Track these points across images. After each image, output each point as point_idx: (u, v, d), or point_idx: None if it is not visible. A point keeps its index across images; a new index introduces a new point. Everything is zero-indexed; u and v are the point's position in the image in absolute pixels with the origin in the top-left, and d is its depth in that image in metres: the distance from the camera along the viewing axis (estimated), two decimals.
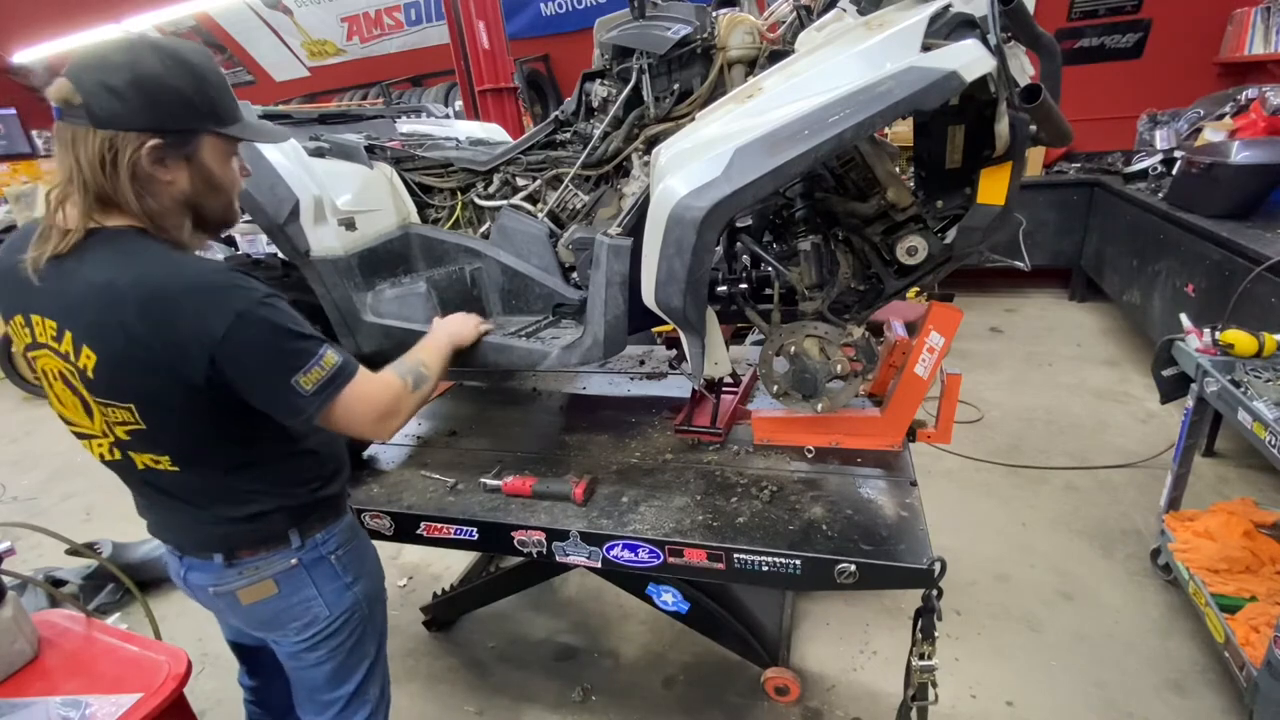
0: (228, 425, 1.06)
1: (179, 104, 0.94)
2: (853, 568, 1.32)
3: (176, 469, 1.07)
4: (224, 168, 1.04)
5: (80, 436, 1.10)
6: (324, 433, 1.18)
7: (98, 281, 0.93)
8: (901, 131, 3.01)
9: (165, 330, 0.93)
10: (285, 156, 1.62)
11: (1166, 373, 2.22)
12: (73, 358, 0.97)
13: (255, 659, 1.49)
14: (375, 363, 1.77)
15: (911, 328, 1.72)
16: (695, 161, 1.23)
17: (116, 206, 0.96)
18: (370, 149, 1.85)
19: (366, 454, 1.98)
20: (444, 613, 2.46)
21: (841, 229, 1.51)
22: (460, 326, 1.58)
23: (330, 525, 1.27)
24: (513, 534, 1.57)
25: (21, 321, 1.01)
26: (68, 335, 0.96)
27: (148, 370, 0.96)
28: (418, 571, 2.85)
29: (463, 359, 1.70)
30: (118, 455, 1.08)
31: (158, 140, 0.93)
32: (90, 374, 0.97)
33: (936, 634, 1.39)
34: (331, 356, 1.05)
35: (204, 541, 1.18)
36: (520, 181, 1.82)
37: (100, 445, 1.08)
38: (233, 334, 0.95)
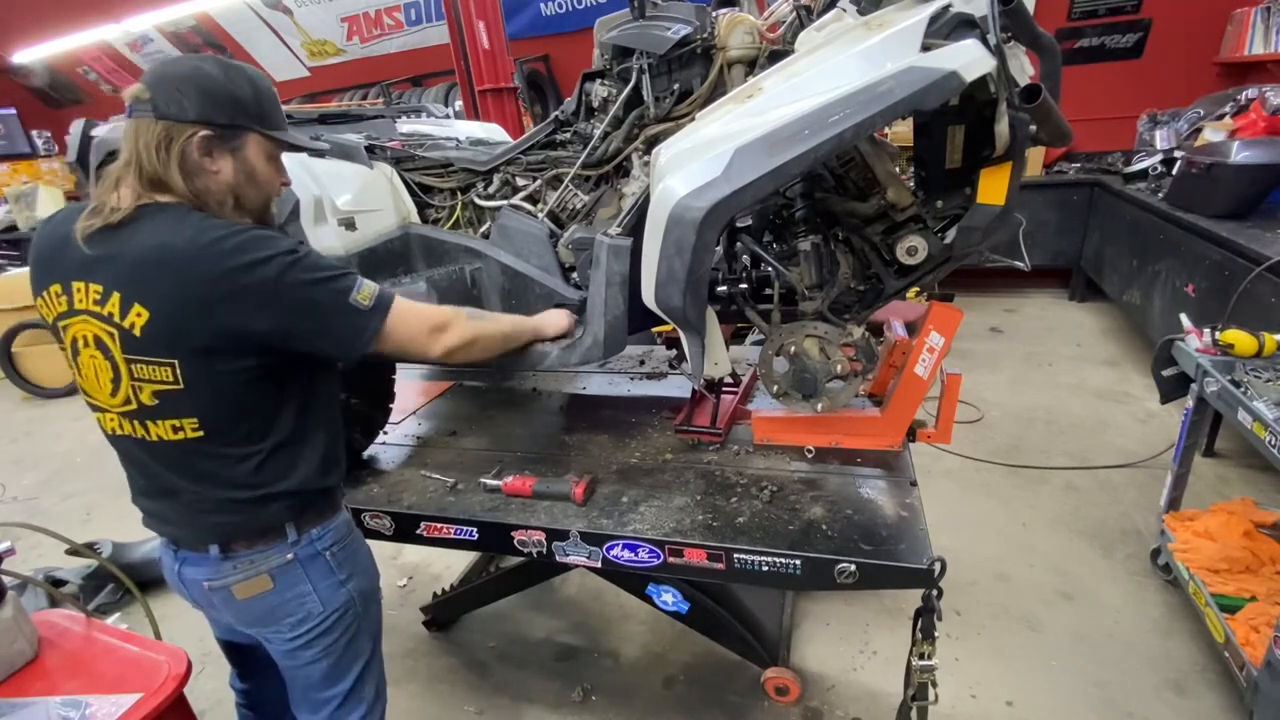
0: (262, 389, 1.11)
1: (230, 104, 1.08)
2: (853, 568, 1.32)
3: (200, 434, 1.09)
4: (265, 166, 1.16)
5: (94, 409, 1.14)
6: (334, 411, 1.28)
7: (151, 243, 1.01)
8: (901, 131, 3.02)
9: (223, 280, 1.01)
10: (285, 156, 1.61)
11: (1166, 373, 2.22)
12: (117, 318, 1.02)
13: (247, 660, 1.48)
14: (375, 363, 1.77)
15: (911, 328, 1.72)
16: (695, 161, 1.23)
17: (167, 187, 1.05)
18: (370, 149, 1.85)
19: (366, 454, 1.98)
20: (444, 613, 2.46)
21: (841, 229, 1.51)
22: (551, 321, 1.61)
23: (327, 521, 1.28)
24: (513, 534, 1.57)
25: (59, 290, 1.06)
26: (115, 296, 1.01)
27: (202, 322, 1.02)
28: (418, 571, 2.85)
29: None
30: (133, 428, 1.10)
31: (208, 132, 1.06)
32: (137, 332, 1.02)
33: (936, 634, 1.39)
34: (370, 282, 1.15)
35: (201, 532, 1.18)
36: (520, 181, 1.82)
37: (113, 420, 1.11)
38: (288, 273, 1.04)
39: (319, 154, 1.37)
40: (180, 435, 1.09)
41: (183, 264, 1.00)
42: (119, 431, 1.12)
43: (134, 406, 1.08)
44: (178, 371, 1.04)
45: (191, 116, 1.05)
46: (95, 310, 1.04)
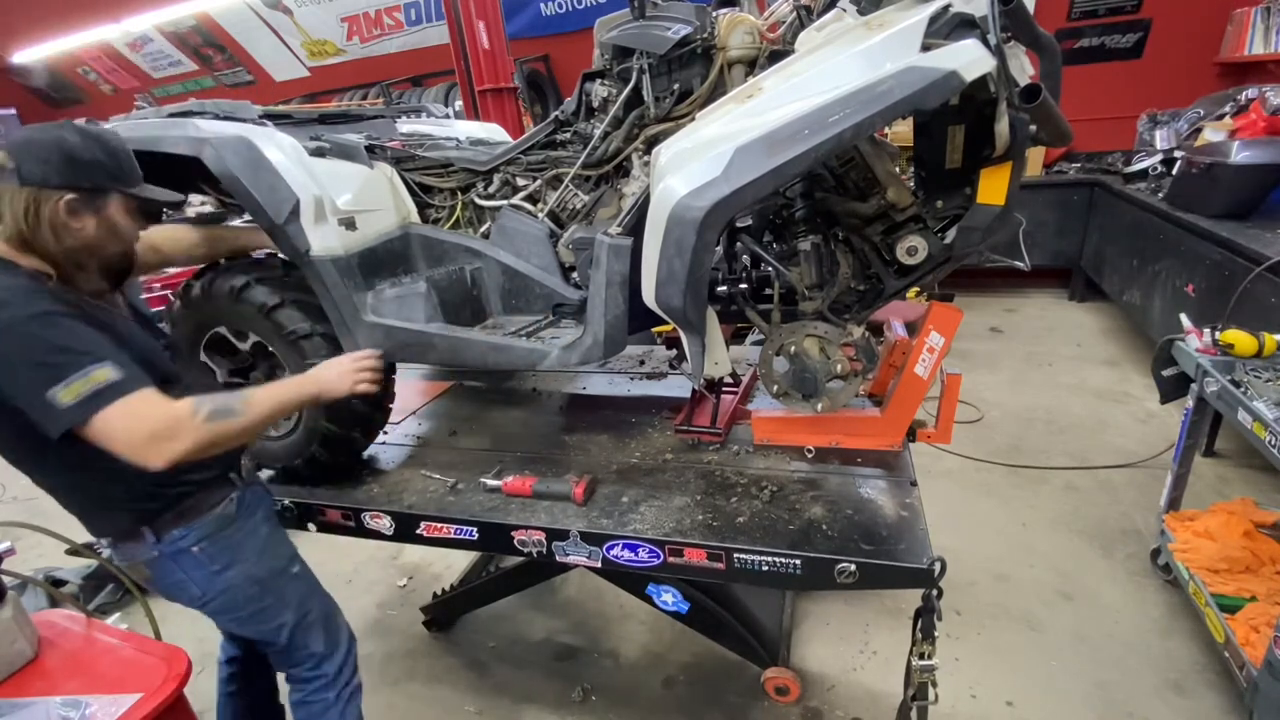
0: (31, 434, 1.12)
1: (93, 168, 1.17)
2: (853, 567, 1.32)
3: (13, 461, 1.23)
4: (126, 220, 1.25)
5: None
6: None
7: None
8: (901, 131, 3.01)
9: None
10: (285, 156, 1.61)
11: (1166, 373, 2.22)
12: None
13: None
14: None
15: (911, 328, 1.72)
16: (695, 161, 1.23)
17: (31, 248, 1.15)
18: (370, 149, 1.85)
19: (366, 454, 1.98)
20: (444, 613, 2.46)
21: (841, 229, 1.51)
22: (334, 377, 1.43)
23: (190, 522, 1.35)
24: (513, 534, 1.57)
25: None
26: None
27: None
28: (418, 571, 2.85)
29: (462, 358, 1.70)
30: None
31: (73, 196, 1.15)
32: None
33: (936, 634, 1.39)
34: (103, 373, 1.09)
35: (88, 528, 1.36)
36: (520, 181, 1.82)
37: None
38: (19, 334, 1.07)
39: (170, 204, 1.37)
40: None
41: None
42: None
43: None
44: None
45: (56, 182, 1.14)
46: None
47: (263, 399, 1.28)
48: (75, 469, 1.24)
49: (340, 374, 1.44)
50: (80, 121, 1.21)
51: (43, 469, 1.26)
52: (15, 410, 1.10)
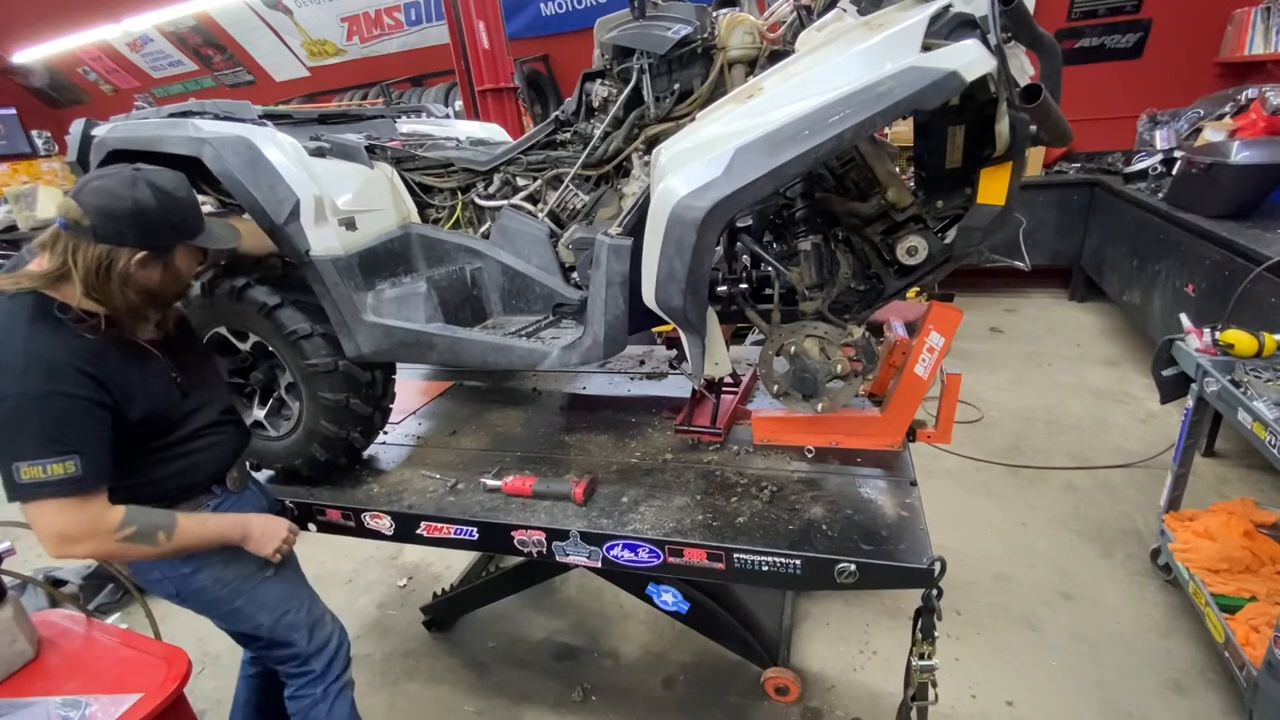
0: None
1: (164, 228, 1.25)
2: (853, 567, 1.32)
3: None
4: (188, 263, 1.35)
5: None
6: (137, 471, 1.34)
7: None
8: (901, 131, 3.02)
9: None
10: (285, 156, 1.61)
11: (1166, 373, 2.22)
12: None
13: None
14: (374, 365, 1.77)
15: (911, 328, 1.72)
16: (695, 161, 1.23)
17: (92, 298, 1.21)
18: (371, 149, 1.85)
19: (367, 454, 1.98)
20: (444, 613, 2.46)
21: (841, 229, 1.51)
22: (261, 535, 1.46)
23: None
24: (513, 534, 1.57)
25: None
26: None
27: None
28: (418, 571, 2.85)
29: (462, 359, 1.70)
30: None
31: (145, 253, 1.23)
32: None
33: (936, 634, 1.39)
34: (63, 468, 1.16)
35: None
36: (520, 181, 1.82)
37: None
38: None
39: (227, 247, 1.45)
40: None
41: None
42: None
43: None
44: None
45: (131, 243, 1.21)
46: None
47: (190, 533, 1.33)
48: None
49: (270, 534, 1.47)
50: (148, 172, 1.25)
51: None
52: None
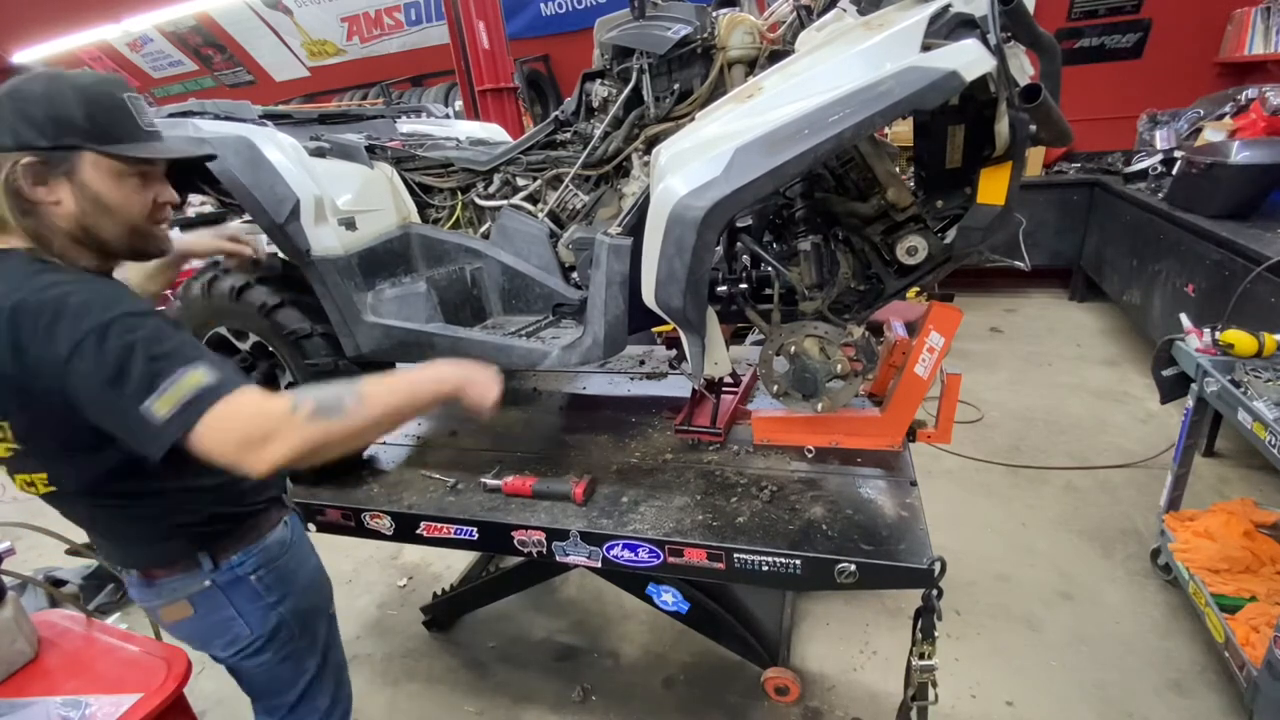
0: (101, 451, 1.00)
1: (52, 122, 0.93)
2: (853, 568, 1.32)
3: (54, 489, 1.04)
4: (115, 188, 1.00)
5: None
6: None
7: None
8: (901, 131, 3.01)
9: (19, 351, 0.91)
10: (286, 156, 1.62)
11: (1166, 373, 2.22)
12: None
13: None
14: (374, 365, 1.77)
15: (911, 328, 1.72)
16: (695, 161, 1.23)
17: (4, 228, 0.96)
18: (370, 149, 1.85)
19: (367, 454, 1.98)
20: (444, 613, 2.46)
21: (841, 229, 1.51)
22: (484, 382, 1.17)
23: (249, 546, 1.22)
24: (513, 534, 1.57)
25: None
26: None
27: (12, 388, 0.94)
28: (418, 571, 2.85)
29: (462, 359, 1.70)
30: (8, 476, 1.06)
31: (31, 158, 0.93)
32: None
33: (936, 634, 1.39)
34: (197, 376, 0.92)
35: (120, 558, 1.19)
36: (520, 181, 1.82)
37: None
38: (77, 355, 0.89)
39: (202, 158, 1.19)
40: (34, 490, 1.05)
41: None
42: (16, 483, 1.08)
43: (5, 455, 1.04)
44: (9, 432, 0.99)
45: (9, 143, 0.92)
46: None
47: (379, 396, 1.03)
48: (133, 495, 1.09)
49: (490, 381, 1.17)
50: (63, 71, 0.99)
51: (95, 493, 1.08)
52: (74, 431, 0.97)
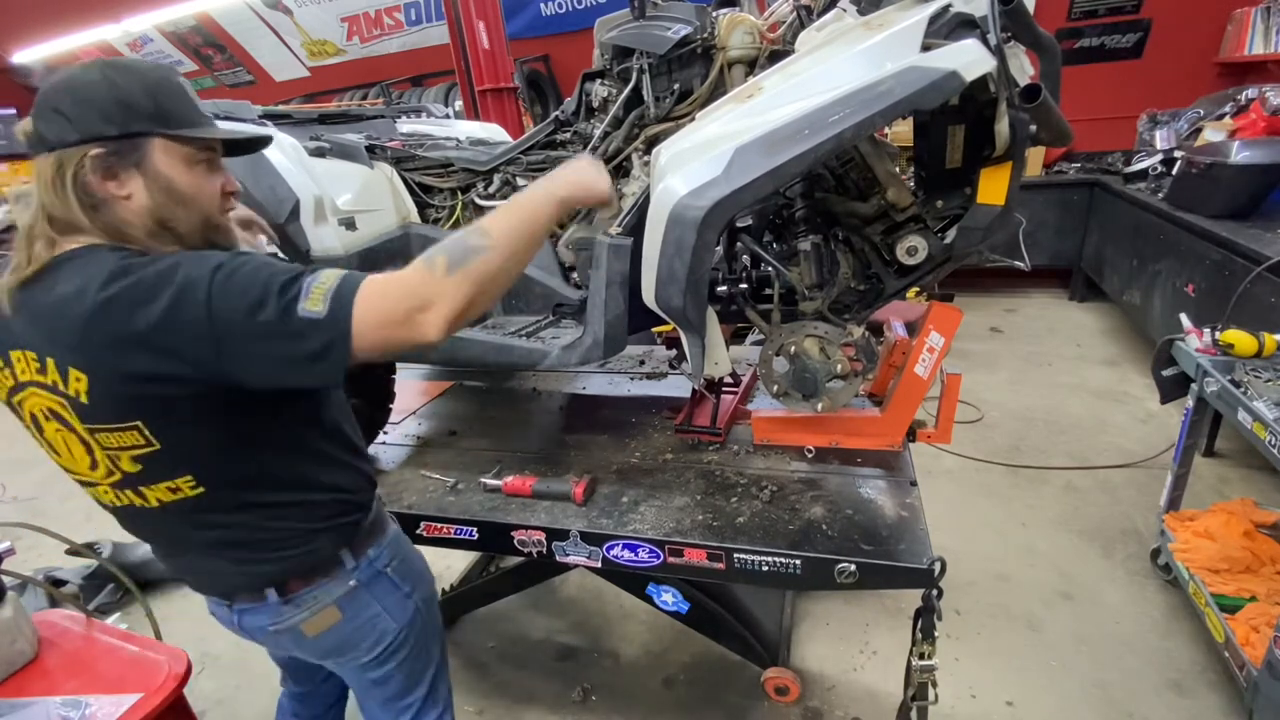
0: (247, 429, 0.97)
1: (115, 108, 0.88)
2: (853, 568, 1.32)
3: (201, 490, 0.96)
4: (186, 176, 0.94)
5: (83, 484, 1.01)
6: (346, 416, 1.13)
7: (68, 293, 0.85)
8: (901, 131, 3.01)
9: (152, 318, 0.82)
10: (285, 156, 1.62)
11: (1166, 373, 2.22)
12: (61, 386, 0.87)
13: (306, 670, 1.43)
14: (375, 364, 1.77)
15: (911, 328, 1.72)
16: (695, 161, 1.23)
17: (78, 229, 0.90)
18: (371, 149, 1.85)
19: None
20: (444, 612, 2.45)
21: (841, 229, 1.51)
22: (575, 178, 1.09)
23: (379, 538, 1.20)
24: (513, 534, 1.57)
25: (1, 363, 0.91)
26: (50, 362, 0.87)
27: (145, 373, 0.85)
28: None
29: (462, 358, 1.70)
30: (130, 497, 0.97)
31: (99, 150, 0.87)
32: (84, 399, 0.87)
33: (936, 634, 1.39)
34: (328, 273, 0.87)
35: (253, 580, 1.09)
36: (520, 181, 1.82)
37: (107, 493, 0.99)
38: (217, 288, 0.83)
39: (257, 143, 1.12)
40: (179, 495, 0.96)
41: (107, 315, 0.83)
42: (118, 503, 1.00)
43: (119, 476, 0.94)
44: (146, 432, 0.89)
45: (76, 137, 0.86)
46: (39, 380, 0.89)
47: (500, 223, 0.96)
48: (284, 485, 1.04)
49: (591, 168, 1.11)
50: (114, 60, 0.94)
51: (248, 486, 1.01)
52: (227, 417, 0.92)
